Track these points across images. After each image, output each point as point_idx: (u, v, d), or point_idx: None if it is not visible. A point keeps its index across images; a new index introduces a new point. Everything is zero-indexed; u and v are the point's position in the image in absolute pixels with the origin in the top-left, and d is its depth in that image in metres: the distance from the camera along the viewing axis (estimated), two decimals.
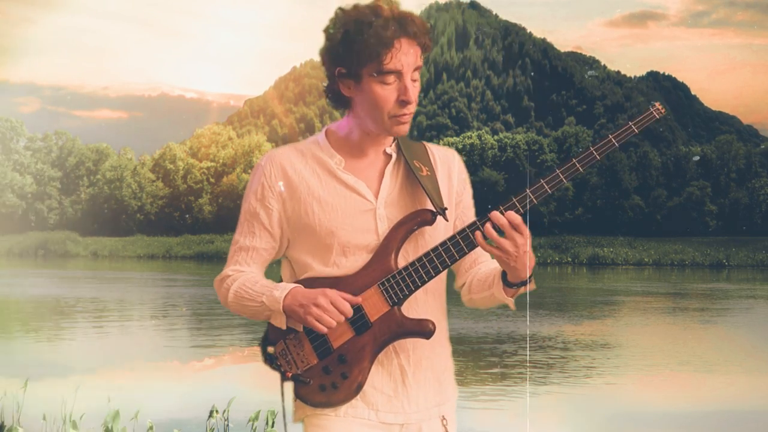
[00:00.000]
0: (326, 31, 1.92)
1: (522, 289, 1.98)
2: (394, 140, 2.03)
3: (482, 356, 11.69)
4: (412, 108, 1.91)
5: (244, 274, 2.00)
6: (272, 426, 5.43)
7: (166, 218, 76.76)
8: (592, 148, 1.89)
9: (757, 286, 30.35)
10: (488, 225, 1.88)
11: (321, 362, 1.93)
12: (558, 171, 1.89)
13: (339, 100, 1.97)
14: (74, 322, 16.10)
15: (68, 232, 65.16)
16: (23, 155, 75.90)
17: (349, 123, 1.99)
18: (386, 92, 1.88)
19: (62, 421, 5.76)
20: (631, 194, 73.18)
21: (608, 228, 66.90)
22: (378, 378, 1.95)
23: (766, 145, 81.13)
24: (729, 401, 9.24)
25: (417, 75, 1.90)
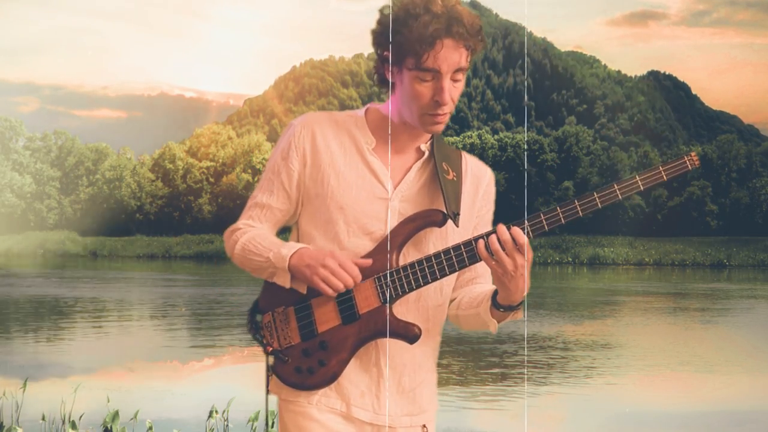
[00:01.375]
0: (381, 11, 1.89)
1: (509, 316, 1.93)
2: (431, 138, 1.99)
3: (482, 356, 11.67)
4: (447, 109, 1.87)
5: (255, 229, 1.99)
6: (272, 426, 5.41)
7: (166, 218, 76.76)
8: (616, 186, 1.84)
9: (758, 286, 30.34)
10: (493, 237, 1.83)
11: (302, 343, 1.92)
12: (576, 203, 1.85)
13: (382, 82, 1.94)
14: (73, 322, 16.09)
15: (67, 231, 65.23)
16: (22, 155, 75.88)
17: (392, 106, 1.96)
18: (422, 89, 1.85)
19: (61, 421, 5.75)
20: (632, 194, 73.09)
21: (609, 228, 66.86)
22: (354, 372, 1.93)
23: (767, 144, 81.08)
24: (730, 401, 9.23)
25: (460, 75, 1.86)
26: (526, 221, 1.85)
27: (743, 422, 8.13)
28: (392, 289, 1.88)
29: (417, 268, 1.88)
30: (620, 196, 1.84)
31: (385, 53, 1.88)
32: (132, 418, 5.61)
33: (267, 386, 1.99)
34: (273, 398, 2.00)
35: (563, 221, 1.85)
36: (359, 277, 1.86)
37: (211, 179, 78.94)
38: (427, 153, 1.97)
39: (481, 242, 1.84)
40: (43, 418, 5.71)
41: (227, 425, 5.78)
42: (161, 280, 30.62)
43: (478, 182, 2.04)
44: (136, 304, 20.43)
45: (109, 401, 6.04)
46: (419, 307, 1.96)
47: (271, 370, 1.95)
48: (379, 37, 1.88)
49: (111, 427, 5.37)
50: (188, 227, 74.24)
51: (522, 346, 12.77)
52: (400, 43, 1.83)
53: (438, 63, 1.82)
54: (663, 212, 72.59)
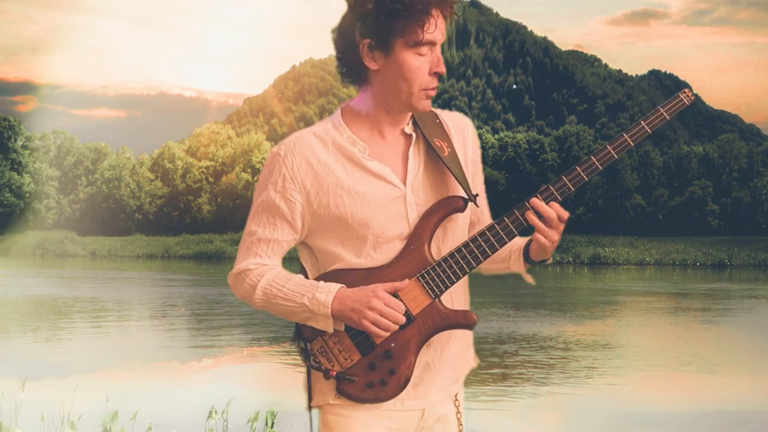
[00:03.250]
0: (350, 0, 1.84)
1: (540, 262, 2.04)
2: (410, 117, 1.95)
3: (482, 356, 11.64)
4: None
5: (270, 268, 1.90)
6: (271, 426, 5.39)
7: (165, 218, 76.77)
8: (625, 135, 1.89)
9: (759, 286, 30.33)
10: (533, 216, 1.89)
11: (365, 358, 1.88)
12: (593, 158, 1.90)
13: (357, 75, 1.88)
14: (73, 322, 16.07)
15: (66, 231, 65.16)
16: (21, 154, 75.84)
17: (367, 99, 1.91)
18: (420, 63, 1.82)
19: (60, 421, 5.73)
20: (633, 194, 73.19)
21: (610, 227, 66.93)
22: None
23: None
24: (731, 402, 9.21)
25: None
26: (551, 186, 1.92)
27: (745, 422, 8.10)
28: (440, 282, 1.87)
29: (458, 256, 1.88)
30: (632, 143, 1.90)
31: (368, 41, 1.81)
32: (131, 419, 5.57)
33: (310, 415, 1.97)
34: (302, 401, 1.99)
35: (586, 178, 1.93)
36: (403, 309, 1.84)
37: (211, 179, 78.92)
38: (414, 135, 1.94)
39: (531, 214, 1.89)
40: (42, 419, 5.67)
41: (226, 426, 5.76)
42: (160, 280, 30.61)
43: (464, 136, 2.04)
44: (135, 304, 20.40)
45: (108, 401, 6.01)
46: (458, 285, 1.96)
47: (337, 393, 1.90)
48: (364, 23, 1.80)
49: (110, 427, 5.34)
50: (187, 227, 74.30)
51: (522, 346, 12.75)
52: (398, 21, 1.78)
53: (436, 33, 1.81)
54: (664, 212, 72.60)
